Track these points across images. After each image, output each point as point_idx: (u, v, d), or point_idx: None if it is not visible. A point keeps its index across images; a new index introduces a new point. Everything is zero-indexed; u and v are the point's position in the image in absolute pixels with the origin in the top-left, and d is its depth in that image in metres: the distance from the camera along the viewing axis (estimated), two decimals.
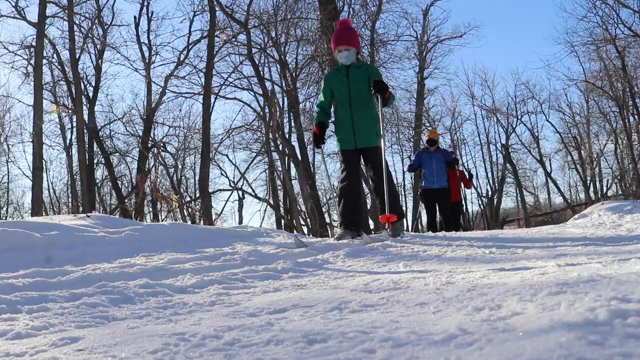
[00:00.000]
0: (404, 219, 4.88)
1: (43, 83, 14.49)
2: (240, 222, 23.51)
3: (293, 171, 18.73)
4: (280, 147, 15.84)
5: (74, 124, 19.05)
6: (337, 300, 1.87)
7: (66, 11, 15.45)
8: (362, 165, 5.28)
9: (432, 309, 1.58)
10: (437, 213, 9.48)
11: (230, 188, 23.26)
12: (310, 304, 1.83)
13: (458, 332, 1.21)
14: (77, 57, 16.63)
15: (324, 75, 5.63)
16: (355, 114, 4.83)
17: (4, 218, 22.20)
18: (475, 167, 27.57)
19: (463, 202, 13.69)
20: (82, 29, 17.64)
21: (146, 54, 18.55)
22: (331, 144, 24.12)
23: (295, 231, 13.13)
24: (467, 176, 11.45)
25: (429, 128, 21.08)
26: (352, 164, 4.87)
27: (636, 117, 21.12)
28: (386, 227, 4.78)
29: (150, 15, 19.37)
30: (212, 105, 16.49)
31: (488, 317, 1.35)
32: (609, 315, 1.17)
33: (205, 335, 1.41)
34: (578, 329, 1.09)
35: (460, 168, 13.58)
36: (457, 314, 1.46)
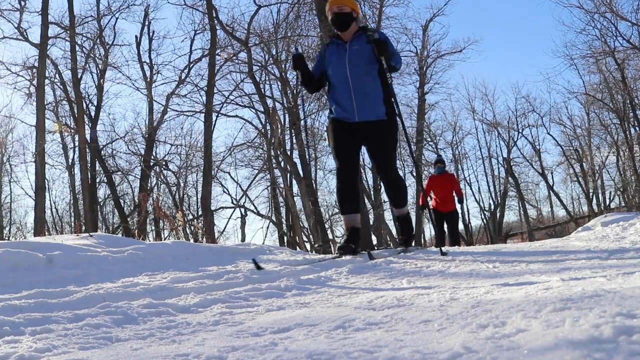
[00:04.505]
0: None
1: (45, 103, 14.58)
2: (243, 239, 23.47)
3: (295, 188, 18.75)
4: (282, 163, 15.88)
5: (76, 144, 19.20)
6: (341, 318, 1.86)
7: (68, 32, 15.60)
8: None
9: (436, 326, 1.57)
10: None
11: (233, 205, 23.28)
12: (314, 323, 1.82)
13: (462, 351, 1.21)
14: (79, 76, 16.76)
15: None
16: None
17: (6, 238, 22.19)
18: (478, 180, 27.60)
19: (459, 212, 11.24)
20: (83, 49, 17.86)
21: (147, 73, 18.77)
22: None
23: (298, 248, 13.10)
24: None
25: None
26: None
27: (637, 128, 21.19)
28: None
29: (151, 34, 19.63)
30: (213, 123, 16.56)
31: (492, 335, 1.34)
32: (614, 332, 1.16)
33: (209, 356, 1.40)
34: (583, 347, 1.09)
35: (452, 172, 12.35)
36: (461, 332, 1.45)
